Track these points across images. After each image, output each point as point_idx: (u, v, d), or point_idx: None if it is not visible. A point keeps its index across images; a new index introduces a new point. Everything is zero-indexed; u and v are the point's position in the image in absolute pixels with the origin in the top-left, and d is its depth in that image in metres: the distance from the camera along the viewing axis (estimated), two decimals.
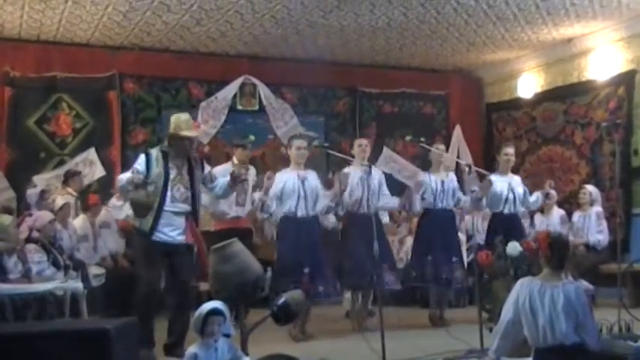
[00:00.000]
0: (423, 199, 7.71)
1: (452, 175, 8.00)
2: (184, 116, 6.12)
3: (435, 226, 7.70)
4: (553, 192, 9.11)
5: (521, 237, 7.07)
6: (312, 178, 7.11)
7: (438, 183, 7.71)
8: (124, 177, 6.10)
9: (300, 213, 6.96)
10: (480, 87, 12.27)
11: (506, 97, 11.79)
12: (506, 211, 7.85)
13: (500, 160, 8.08)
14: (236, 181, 6.29)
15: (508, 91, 11.73)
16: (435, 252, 7.57)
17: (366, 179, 7.12)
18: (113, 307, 7.44)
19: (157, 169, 5.94)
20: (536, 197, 8.13)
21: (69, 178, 8.72)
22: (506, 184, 7.85)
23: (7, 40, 9.40)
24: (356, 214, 7.37)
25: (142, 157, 6.05)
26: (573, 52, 10.40)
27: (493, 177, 7.81)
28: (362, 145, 7.54)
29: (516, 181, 8.04)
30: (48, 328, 4.55)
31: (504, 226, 7.62)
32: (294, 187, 6.94)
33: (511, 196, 7.85)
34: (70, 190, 8.61)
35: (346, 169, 7.38)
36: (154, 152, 6.06)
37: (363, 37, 9.87)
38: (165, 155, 6.01)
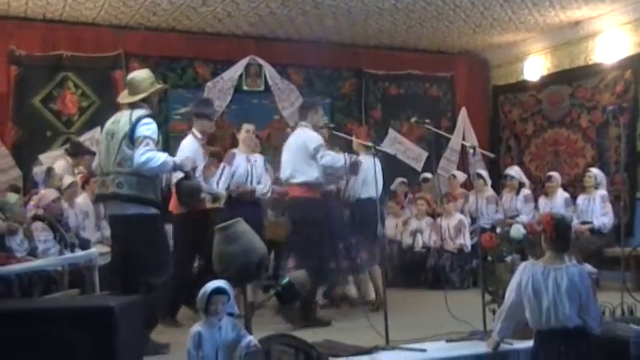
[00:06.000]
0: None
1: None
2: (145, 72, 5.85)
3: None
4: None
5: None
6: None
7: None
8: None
9: None
10: (487, 69, 12.22)
11: (512, 80, 11.75)
12: None
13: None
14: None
15: (514, 73, 11.69)
16: None
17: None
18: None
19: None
20: None
21: (78, 154, 8.71)
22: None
23: (13, 18, 9.36)
24: None
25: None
26: (580, 34, 10.34)
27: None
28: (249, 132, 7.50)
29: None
30: (52, 305, 4.55)
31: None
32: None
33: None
34: (81, 168, 8.58)
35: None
36: None
37: (369, 18, 9.82)
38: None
